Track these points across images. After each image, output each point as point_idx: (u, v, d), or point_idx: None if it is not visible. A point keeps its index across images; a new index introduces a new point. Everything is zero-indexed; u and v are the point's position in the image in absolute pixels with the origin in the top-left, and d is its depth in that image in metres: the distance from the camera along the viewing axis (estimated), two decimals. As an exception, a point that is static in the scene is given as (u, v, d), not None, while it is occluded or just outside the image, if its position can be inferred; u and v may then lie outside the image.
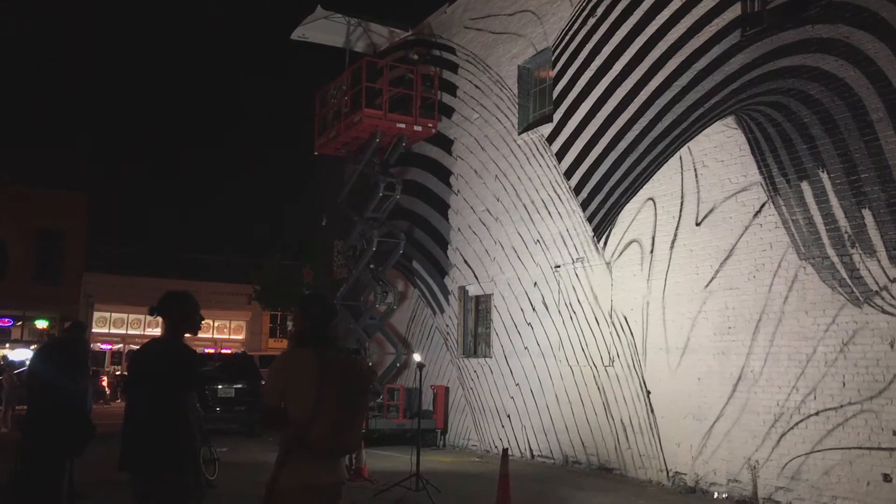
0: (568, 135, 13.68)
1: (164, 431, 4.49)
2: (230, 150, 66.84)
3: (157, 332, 38.15)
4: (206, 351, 31.36)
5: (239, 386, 17.88)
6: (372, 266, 18.07)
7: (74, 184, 35.49)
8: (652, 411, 11.51)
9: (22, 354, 32.68)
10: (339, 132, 18.27)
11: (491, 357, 15.48)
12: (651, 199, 11.89)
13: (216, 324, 39.80)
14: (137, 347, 4.88)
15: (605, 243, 12.70)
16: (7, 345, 33.83)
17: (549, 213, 14.03)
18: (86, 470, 8.11)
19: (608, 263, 12.63)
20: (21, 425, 15.89)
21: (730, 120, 10.61)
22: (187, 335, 4.71)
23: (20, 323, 34.56)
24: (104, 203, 40.61)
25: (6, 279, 32.27)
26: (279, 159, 68.07)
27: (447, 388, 16.44)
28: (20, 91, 60.21)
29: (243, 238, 40.46)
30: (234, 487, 9.54)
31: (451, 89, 17.37)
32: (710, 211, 10.82)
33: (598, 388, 12.60)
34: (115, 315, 37.89)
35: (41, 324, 34.56)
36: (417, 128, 17.51)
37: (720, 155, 10.75)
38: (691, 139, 11.23)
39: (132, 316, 38.42)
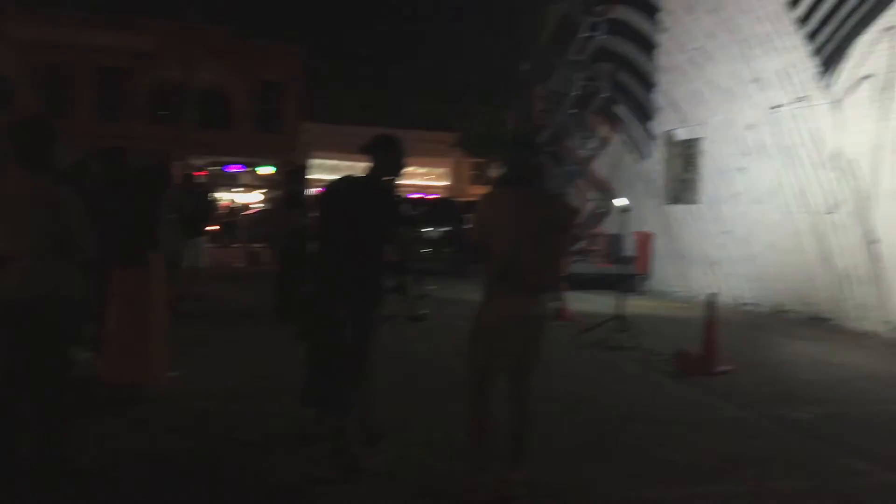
0: (795, -41, 12.32)
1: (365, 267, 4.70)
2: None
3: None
4: (410, 196, 32.54)
5: (444, 229, 18.51)
6: (574, 111, 17.70)
7: (289, 37, 36.89)
8: (878, 261, 10.76)
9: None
10: (540, -30, 17.56)
11: (698, 203, 14.94)
12: (892, 27, 10.60)
13: (421, 171, 41.05)
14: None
15: (833, 81, 11.58)
16: (241, 188, 37.11)
17: (769, 48, 12.91)
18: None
19: (835, 103, 11.55)
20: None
21: None
22: (388, 177, 4.78)
23: (249, 169, 37.55)
24: (317, 55, 41.84)
25: (234, 128, 34.94)
26: (477, 3, 66.78)
27: (650, 235, 16.18)
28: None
29: (443, 85, 40.66)
30: (443, 319, 10.20)
31: (663, -85, 15.98)
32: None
33: (816, 237, 11.89)
34: (328, 162, 40.11)
35: (265, 170, 37.35)
36: (624, -39, 16.44)
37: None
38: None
39: (344, 163, 40.53)
